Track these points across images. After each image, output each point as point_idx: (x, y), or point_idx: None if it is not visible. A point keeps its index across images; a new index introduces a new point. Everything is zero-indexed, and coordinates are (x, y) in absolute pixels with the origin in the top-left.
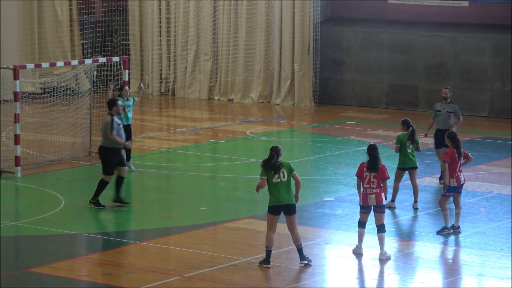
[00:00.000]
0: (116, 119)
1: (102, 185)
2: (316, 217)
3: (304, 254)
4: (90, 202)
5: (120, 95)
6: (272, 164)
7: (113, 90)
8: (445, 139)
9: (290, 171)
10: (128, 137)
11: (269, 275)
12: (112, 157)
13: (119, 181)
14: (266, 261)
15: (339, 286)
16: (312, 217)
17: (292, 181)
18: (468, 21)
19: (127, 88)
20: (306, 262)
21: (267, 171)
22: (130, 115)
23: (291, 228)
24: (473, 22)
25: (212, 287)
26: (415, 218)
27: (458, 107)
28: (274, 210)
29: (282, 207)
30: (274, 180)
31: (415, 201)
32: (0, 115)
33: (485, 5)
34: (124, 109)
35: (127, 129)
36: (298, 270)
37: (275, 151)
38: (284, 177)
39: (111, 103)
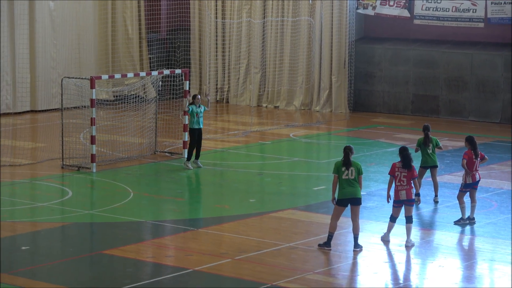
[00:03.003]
0: None
1: None
2: (350, 209)
3: (358, 242)
4: None
5: (193, 103)
6: (348, 160)
7: (187, 98)
8: (464, 143)
9: (359, 172)
10: (199, 139)
11: (308, 258)
12: None
13: None
14: (328, 244)
15: (369, 269)
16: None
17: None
18: (483, 40)
19: (199, 96)
20: (358, 249)
21: (338, 169)
22: (201, 120)
23: (354, 217)
24: (487, 41)
25: (259, 268)
26: (435, 210)
27: None
28: (341, 202)
29: (349, 200)
30: (343, 177)
31: (436, 196)
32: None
33: (498, 26)
34: (196, 115)
35: (199, 131)
36: (333, 254)
37: (349, 149)
38: (352, 175)
39: None
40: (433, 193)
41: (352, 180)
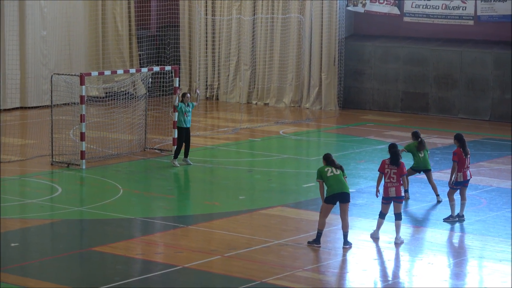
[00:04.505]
0: None
1: None
2: (339, 207)
3: (347, 239)
4: None
5: (182, 101)
6: (336, 164)
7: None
8: (453, 140)
9: (343, 173)
10: (187, 137)
11: (298, 255)
12: None
13: None
14: (317, 241)
15: (358, 266)
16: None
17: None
18: (473, 37)
19: (189, 95)
20: (348, 246)
21: (321, 173)
22: (189, 118)
23: (343, 214)
24: (477, 39)
25: (249, 265)
26: (425, 207)
27: None
28: (329, 200)
29: (337, 196)
30: (328, 175)
31: (437, 195)
32: (52, 116)
33: (488, 24)
34: (185, 114)
35: (187, 131)
36: (323, 251)
37: (329, 156)
38: (336, 171)
39: None
40: (431, 195)
41: (338, 175)
